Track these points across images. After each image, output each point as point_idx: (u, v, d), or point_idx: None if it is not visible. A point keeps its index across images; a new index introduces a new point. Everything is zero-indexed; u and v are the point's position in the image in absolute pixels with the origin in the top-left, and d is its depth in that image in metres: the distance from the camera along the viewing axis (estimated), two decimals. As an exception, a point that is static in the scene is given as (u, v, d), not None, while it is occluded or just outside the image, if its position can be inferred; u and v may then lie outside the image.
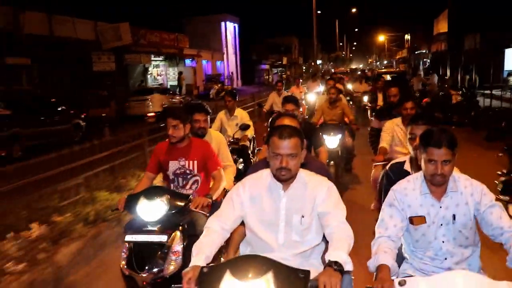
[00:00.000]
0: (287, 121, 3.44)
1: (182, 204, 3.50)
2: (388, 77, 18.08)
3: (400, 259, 2.68)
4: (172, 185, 3.94)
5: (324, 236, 2.60)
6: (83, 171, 6.79)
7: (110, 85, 22.40)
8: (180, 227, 3.39)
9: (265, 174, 2.66)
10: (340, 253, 2.23)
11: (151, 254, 3.27)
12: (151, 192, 3.49)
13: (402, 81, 17.02)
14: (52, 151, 6.54)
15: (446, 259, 2.52)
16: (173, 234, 3.31)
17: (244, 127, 6.33)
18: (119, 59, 23.53)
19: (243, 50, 47.92)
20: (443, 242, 2.52)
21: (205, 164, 3.93)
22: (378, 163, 4.90)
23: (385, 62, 75.36)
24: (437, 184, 2.50)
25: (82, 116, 15.97)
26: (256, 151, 7.32)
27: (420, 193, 2.57)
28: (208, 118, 4.65)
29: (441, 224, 2.52)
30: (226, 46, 42.64)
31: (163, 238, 3.26)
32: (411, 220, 2.56)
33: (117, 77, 24.04)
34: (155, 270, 3.22)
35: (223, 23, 42.21)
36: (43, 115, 13.10)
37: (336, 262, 2.16)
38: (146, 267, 3.22)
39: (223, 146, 4.76)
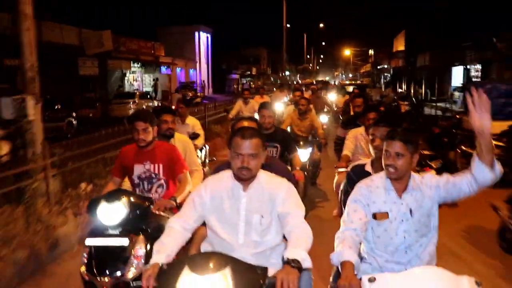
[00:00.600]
0: (246, 124, 3.55)
1: (143, 206, 3.47)
2: (351, 89, 20.55)
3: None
4: (137, 189, 3.89)
5: (284, 237, 2.64)
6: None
7: (94, 89, 24.11)
8: (144, 231, 3.34)
9: (226, 176, 2.70)
10: (299, 251, 2.28)
11: (112, 258, 3.21)
12: (112, 195, 3.42)
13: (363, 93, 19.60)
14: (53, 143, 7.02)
15: (406, 252, 2.62)
16: (135, 238, 3.27)
17: (194, 136, 6.03)
18: (101, 64, 25.26)
19: (215, 59, 50.00)
20: (404, 237, 2.62)
21: (171, 168, 3.90)
22: (341, 169, 4.95)
23: (350, 75, 78.33)
24: (391, 177, 2.65)
25: (74, 115, 17.79)
26: (208, 161, 7.22)
27: (384, 190, 2.68)
28: (175, 120, 4.70)
29: (402, 220, 2.63)
30: (199, 55, 44.65)
31: (124, 241, 3.20)
32: (375, 216, 2.66)
33: (99, 81, 25.79)
34: (115, 274, 3.16)
35: (196, 33, 44.24)
36: (44, 112, 14.77)
37: (294, 260, 2.20)
38: (107, 272, 3.16)
39: (189, 150, 4.72)
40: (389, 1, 37.41)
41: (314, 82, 27.13)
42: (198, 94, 35.52)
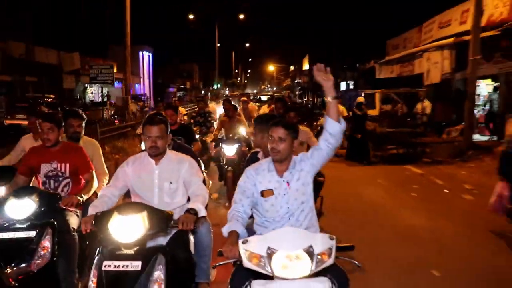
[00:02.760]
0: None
1: (51, 202, 3.76)
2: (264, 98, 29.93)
3: (251, 233, 3.15)
4: (44, 187, 4.13)
5: (189, 198, 3.51)
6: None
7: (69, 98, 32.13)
8: (51, 224, 3.60)
9: (143, 155, 3.64)
10: (196, 204, 3.23)
11: (19, 250, 3.41)
12: (21, 191, 3.67)
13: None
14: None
15: (289, 218, 3.18)
16: (43, 230, 3.52)
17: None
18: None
19: (155, 74, 58.31)
20: (288, 207, 3.19)
21: (77, 167, 4.20)
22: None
23: (274, 88, 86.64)
24: (275, 159, 3.21)
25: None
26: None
27: (268, 171, 3.25)
28: (83, 124, 4.85)
29: (284, 194, 3.20)
30: (143, 71, 52.87)
31: (31, 233, 3.48)
32: (262, 193, 3.21)
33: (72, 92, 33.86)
34: (21, 265, 3.35)
35: (140, 52, 52.53)
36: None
37: (192, 209, 3.14)
38: (13, 264, 3.35)
39: (97, 153, 4.96)
40: (299, 28, 48.32)
41: (238, 94, 34.70)
42: (146, 104, 43.98)
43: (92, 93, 42.14)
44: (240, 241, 2.64)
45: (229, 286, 2.85)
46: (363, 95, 17.18)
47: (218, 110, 13.23)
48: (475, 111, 14.30)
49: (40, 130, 4.19)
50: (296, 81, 59.17)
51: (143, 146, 7.20)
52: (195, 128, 9.54)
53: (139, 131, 9.55)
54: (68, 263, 3.71)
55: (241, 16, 47.59)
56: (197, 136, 8.13)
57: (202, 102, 11.45)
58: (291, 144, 3.17)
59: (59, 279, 3.59)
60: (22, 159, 4.62)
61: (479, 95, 15.72)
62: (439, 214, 7.47)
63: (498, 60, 13.40)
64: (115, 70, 43.59)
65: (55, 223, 3.66)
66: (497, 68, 13.68)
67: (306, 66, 45.07)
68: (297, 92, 49.91)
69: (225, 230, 2.99)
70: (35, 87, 26.98)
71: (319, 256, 2.50)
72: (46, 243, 3.50)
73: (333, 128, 3.06)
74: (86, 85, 38.99)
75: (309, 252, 2.49)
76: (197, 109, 11.48)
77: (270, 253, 2.51)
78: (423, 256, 5.60)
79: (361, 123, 12.87)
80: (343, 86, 34.84)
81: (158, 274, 2.83)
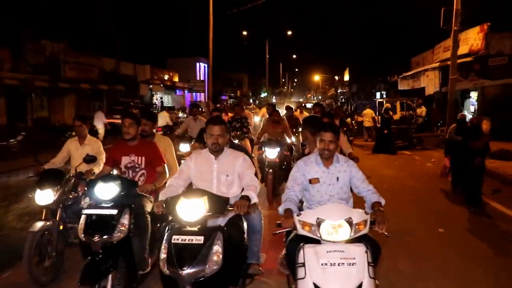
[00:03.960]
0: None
1: (130, 187, 4.44)
2: (309, 105, 35.64)
3: None
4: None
5: (242, 189, 3.99)
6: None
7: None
8: (129, 206, 4.27)
9: (204, 151, 4.24)
10: (249, 192, 3.73)
11: (103, 224, 4.10)
12: (107, 177, 4.38)
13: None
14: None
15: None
16: (122, 210, 4.19)
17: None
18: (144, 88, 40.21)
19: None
20: (330, 196, 3.96)
21: (151, 160, 4.93)
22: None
23: (320, 97, 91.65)
24: (325, 157, 3.96)
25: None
26: None
27: (315, 163, 4.02)
28: (155, 125, 5.93)
29: (329, 184, 3.97)
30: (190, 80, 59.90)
31: (113, 212, 4.14)
32: (310, 181, 3.97)
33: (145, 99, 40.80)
34: (104, 236, 4.02)
35: (197, 64, 59.56)
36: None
37: (245, 196, 3.65)
38: (99, 234, 4.02)
39: (169, 149, 5.83)
40: (341, 42, 54.10)
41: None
42: (204, 110, 50.63)
43: (157, 99, 49.32)
44: (295, 214, 3.38)
45: (285, 250, 3.77)
46: (381, 102, 22.80)
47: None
48: (469, 115, 19.68)
49: (122, 125, 4.86)
50: (339, 91, 64.48)
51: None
52: (232, 133, 9.69)
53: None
54: (141, 240, 4.37)
55: (289, 33, 53.60)
56: (236, 141, 7.87)
57: (238, 108, 11.77)
58: (337, 144, 3.99)
59: (133, 253, 4.24)
60: (107, 152, 5.26)
61: (471, 104, 21.13)
62: (405, 171, 13.20)
63: (473, 78, 18.90)
64: (176, 80, 50.83)
65: (133, 205, 4.29)
66: (472, 84, 19.18)
67: (346, 77, 51.01)
68: (339, 101, 55.41)
69: (281, 209, 3.67)
70: (122, 94, 33.84)
71: (356, 226, 3.20)
72: (125, 221, 4.11)
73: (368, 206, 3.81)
74: (153, 93, 46.07)
75: (349, 222, 3.18)
76: (232, 114, 11.88)
77: (319, 222, 3.20)
78: (388, 188, 10.27)
79: (387, 123, 17.53)
80: (378, 95, 40.28)
81: (217, 248, 3.32)
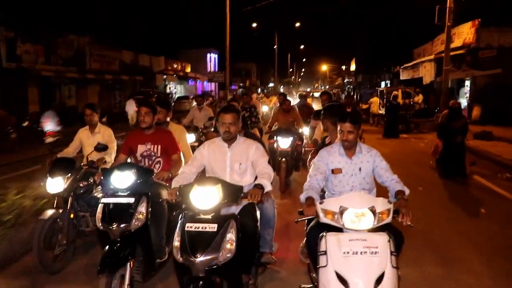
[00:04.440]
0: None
1: (146, 176, 4.48)
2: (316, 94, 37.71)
3: None
4: (140, 165, 4.82)
5: (256, 178, 4.01)
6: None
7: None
8: (146, 194, 4.29)
9: (217, 140, 4.28)
10: (263, 180, 3.73)
11: (121, 213, 4.12)
12: (123, 166, 4.43)
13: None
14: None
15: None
16: (139, 198, 4.21)
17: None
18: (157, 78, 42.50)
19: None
20: (352, 186, 3.93)
21: (167, 148, 5.02)
22: (309, 149, 6.97)
23: (327, 86, 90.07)
24: (346, 147, 3.95)
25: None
26: None
27: (338, 153, 4.00)
28: (169, 113, 5.84)
29: (351, 175, 3.94)
30: (210, 71, 62.00)
31: (130, 200, 4.17)
32: (332, 171, 3.96)
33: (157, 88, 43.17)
34: (122, 225, 4.04)
35: (208, 54, 61.74)
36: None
37: (259, 184, 3.64)
38: (117, 223, 4.04)
39: (183, 137, 5.84)
40: (348, 33, 56.08)
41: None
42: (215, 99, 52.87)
43: (169, 88, 51.62)
44: (317, 202, 3.38)
45: (306, 238, 3.79)
46: (382, 91, 25.02)
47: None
48: (465, 102, 21.92)
49: (138, 114, 4.96)
50: (346, 80, 66.50)
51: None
52: None
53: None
54: (158, 229, 4.46)
55: (297, 24, 55.57)
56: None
57: (247, 97, 11.81)
58: (357, 134, 3.96)
59: (151, 241, 4.32)
60: (124, 141, 5.26)
61: (465, 92, 23.31)
62: (400, 149, 15.39)
63: (465, 69, 21.08)
64: (188, 70, 53.03)
65: (149, 193, 4.34)
66: (464, 74, 21.36)
67: (353, 67, 53.16)
68: (346, 91, 57.43)
69: (302, 197, 3.69)
70: (141, 84, 36.24)
71: (379, 215, 3.18)
72: (142, 209, 4.18)
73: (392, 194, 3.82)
74: (166, 83, 48.37)
75: (373, 210, 3.17)
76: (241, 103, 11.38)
77: (342, 210, 3.21)
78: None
79: (395, 110, 19.37)
80: (382, 84, 42.37)
81: (230, 236, 3.32)
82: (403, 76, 28.98)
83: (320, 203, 3.35)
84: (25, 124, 17.17)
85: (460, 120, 10.33)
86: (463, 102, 22.18)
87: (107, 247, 3.97)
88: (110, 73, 31.08)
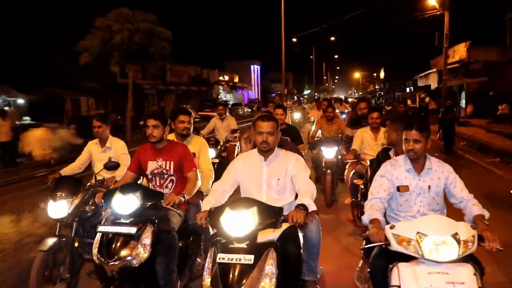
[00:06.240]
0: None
1: (155, 199, 3.89)
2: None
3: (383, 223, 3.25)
4: (150, 184, 4.45)
5: (296, 195, 3.55)
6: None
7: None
8: (152, 222, 3.75)
9: (252, 152, 3.84)
10: (305, 199, 3.24)
11: (121, 244, 3.57)
12: (126, 187, 3.84)
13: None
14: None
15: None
16: (144, 227, 3.66)
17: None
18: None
19: (261, 83, 75.48)
20: (420, 206, 3.50)
21: (181, 165, 4.40)
22: (348, 161, 6.49)
23: (360, 93, 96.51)
24: (412, 159, 3.49)
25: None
26: None
27: (405, 169, 3.54)
28: (191, 120, 5.14)
29: (419, 193, 3.50)
30: (254, 81, 70.38)
31: (132, 230, 3.57)
32: (398, 188, 3.51)
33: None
34: (123, 260, 3.51)
35: (252, 66, 70.16)
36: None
37: (301, 204, 3.16)
38: (115, 257, 3.50)
39: (204, 150, 5.20)
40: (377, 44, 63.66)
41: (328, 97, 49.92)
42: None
43: (224, 96, 59.98)
44: (387, 226, 2.98)
45: (370, 268, 3.28)
46: (398, 95, 32.78)
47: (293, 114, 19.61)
48: (463, 101, 29.72)
49: (145, 127, 4.32)
50: (376, 87, 73.63)
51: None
52: None
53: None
54: (167, 261, 3.92)
55: (332, 38, 63.11)
56: None
57: (326, 102, 11.84)
58: (425, 144, 3.44)
59: (158, 276, 3.82)
60: (133, 157, 4.67)
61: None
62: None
63: (460, 78, 29.03)
64: (236, 80, 61.20)
65: (156, 221, 3.80)
66: (459, 82, 29.21)
67: (382, 75, 60.88)
68: (376, 97, 64.45)
69: (365, 218, 3.33)
70: (205, 94, 44.83)
71: (464, 243, 2.78)
72: (146, 240, 3.61)
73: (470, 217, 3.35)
74: (219, 92, 56.93)
75: (456, 238, 2.78)
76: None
77: (419, 237, 2.81)
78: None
79: (424, 110, 25.91)
80: (407, 90, 49.89)
81: (270, 268, 2.89)
82: (420, 83, 36.94)
83: (391, 227, 2.97)
84: (141, 123, 24.39)
85: (451, 114, 16.10)
86: (463, 102, 29.82)
87: (103, 285, 3.69)
88: (183, 85, 39.72)
